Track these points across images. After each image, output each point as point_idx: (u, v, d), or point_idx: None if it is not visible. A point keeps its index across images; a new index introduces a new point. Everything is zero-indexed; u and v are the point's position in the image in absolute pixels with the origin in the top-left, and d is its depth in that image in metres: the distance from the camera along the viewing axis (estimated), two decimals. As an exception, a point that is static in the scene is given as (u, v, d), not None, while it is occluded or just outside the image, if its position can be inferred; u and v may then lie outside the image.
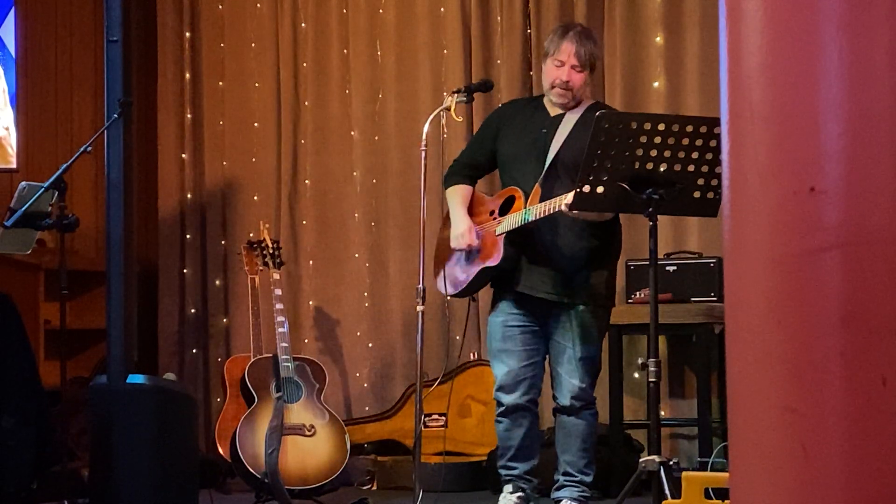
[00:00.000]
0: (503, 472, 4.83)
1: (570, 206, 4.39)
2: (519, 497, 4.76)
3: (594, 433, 4.79)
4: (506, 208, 4.70)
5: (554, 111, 4.75)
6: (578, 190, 4.20)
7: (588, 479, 4.75)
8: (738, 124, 1.76)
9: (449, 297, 4.51)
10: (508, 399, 4.74)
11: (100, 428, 4.85)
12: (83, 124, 7.06)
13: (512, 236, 4.62)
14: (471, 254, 4.76)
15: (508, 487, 4.80)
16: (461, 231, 4.74)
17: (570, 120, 4.70)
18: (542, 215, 4.45)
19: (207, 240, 7.01)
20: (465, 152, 4.92)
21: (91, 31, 7.09)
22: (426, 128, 4.50)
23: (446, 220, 4.92)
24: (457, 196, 4.83)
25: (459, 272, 4.81)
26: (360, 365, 6.71)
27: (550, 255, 4.64)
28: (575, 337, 4.65)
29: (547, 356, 4.77)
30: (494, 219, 4.73)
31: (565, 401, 4.69)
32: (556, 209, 4.36)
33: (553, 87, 4.69)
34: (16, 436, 5.19)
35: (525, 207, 4.56)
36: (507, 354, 4.74)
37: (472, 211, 4.84)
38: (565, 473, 4.75)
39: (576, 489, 4.73)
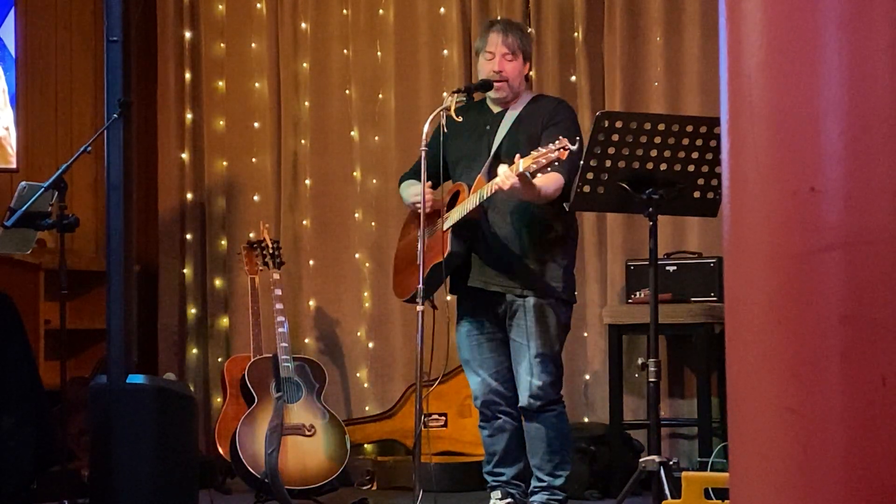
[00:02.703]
0: (490, 478, 4.80)
1: (570, 207, 4.39)
2: (508, 503, 4.74)
3: (562, 434, 4.70)
4: (453, 204, 4.67)
5: (496, 109, 4.75)
6: (579, 190, 4.20)
7: (558, 482, 4.68)
8: (738, 124, 1.76)
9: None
10: (486, 407, 4.74)
11: (100, 428, 4.85)
12: (83, 124, 7.06)
13: (461, 230, 4.58)
14: (425, 254, 4.70)
15: (497, 493, 4.77)
16: (415, 191, 4.65)
17: (512, 115, 4.69)
18: (480, 201, 4.42)
19: (207, 240, 7.01)
20: (417, 163, 4.91)
21: (91, 31, 7.09)
22: (426, 128, 4.50)
23: (402, 232, 4.97)
24: (410, 186, 4.79)
25: (413, 276, 4.69)
26: (360, 365, 6.71)
27: (500, 247, 4.60)
28: (530, 334, 4.59)
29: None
30: (444, 217, 4.72)
31: (524, 401, 4.63)
32: (492, 191, 4.34)
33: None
34: (16, 436, 5.18)
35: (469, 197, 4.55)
36: (476, 364, 4.74)
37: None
38: (536, 477, 4.72)
39: (545, 493, 4.69)
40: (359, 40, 6.79)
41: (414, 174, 4.81)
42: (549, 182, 4.42)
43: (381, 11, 6.76)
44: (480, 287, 4.65)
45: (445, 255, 4.56)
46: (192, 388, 6.51)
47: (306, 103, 6.90)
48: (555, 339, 4.63)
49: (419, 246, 4.52)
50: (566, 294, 4.66)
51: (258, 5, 7.00)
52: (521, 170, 4.23)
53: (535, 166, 4.20)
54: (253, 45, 7.00)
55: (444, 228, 4.61)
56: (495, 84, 4.67)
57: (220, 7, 7.09)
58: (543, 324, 4.60)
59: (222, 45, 7.08)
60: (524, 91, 4.79)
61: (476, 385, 4.77)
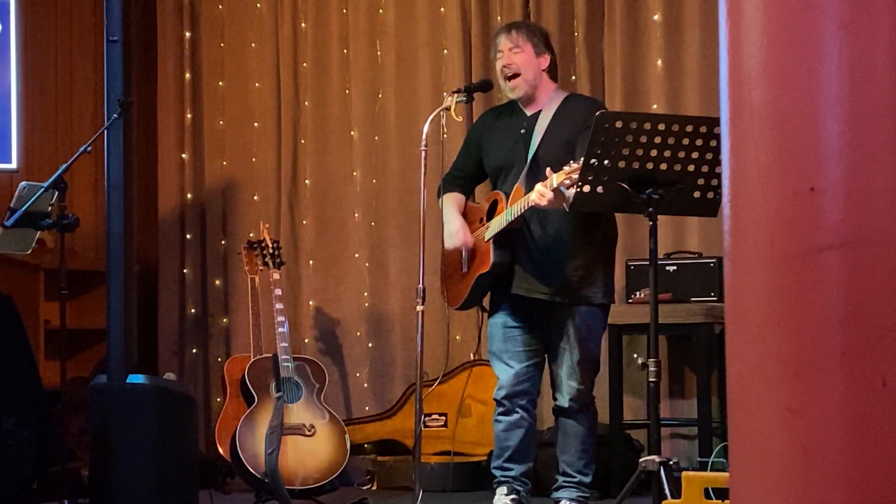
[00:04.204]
0: (499, 472, 4.80)
1: (570, 207, 4.39)
2: (513, 499, 4.74)
3: (593, 433, 4.78)
4: (492, 213, 4.71)
5: (530, 111, 4.75)
6: (578, 190, 4.20)
7: (587, 479, 4.74)
8: (738, 124, 1.76)
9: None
10: (508, 400, 4.74)
11: (100, 428, 4.85)
12: (83, 124, 7.06)
13: (502, 239, 4.61)
14: (468, 263, 4.76)
15: (503, 489, 4.77)
16: (454, 229, 4.73)
17: (547, 115, 4.69)
18: (518, 214, 4.47)
19: (207, 240, 7.01)
20: (455, 164, 4.92)
21: (91, 31, 7.09)
22: (426, 128, 4.50)
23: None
24: (449, 202, 4.83)
25: (460, 284, 4.80)
26: (360, 365, 6.70)
27: (541, 255, 4.63)
28: (573, 340, 4.63)
29: (546, 356, 4.77)
30: (483, 225, 4.74)
31: (564, 402, 4.69)
32: (527, 205, 4.39)
33: (505, 80, 4.70)
34: (16, 436, 5.19)
35: (507, 208, 4.58)
36: (508, 355, 4.74)
37: (465, 220, 4.84)
38: (564, 474, 4.75)
39: (574, 490, 4.73)
40: (359, 40, 6.79)
41: (454, 180, 4.83)
42: None
43: (381, 11, 6.76)
44: (523, 294, 4.68)
45: (490, 265, 4.61)
46: (191, 388, 6.51)
47: (306, 103, 6.90)
48: (596, 344, 4.72)
49: (420, 255, 4.55)
50: (606, 298, 4.73)
51: (258, 5, 7.01)
52: (555, 185, 4.28)
53: (568, 181, 4.24)
54: (253, 45, 7.00)
55: (486, 239, 4.66)
56: (510, 83, 4.68)
57: (220, 7, 7.09)
58: (587, 330, 4.65)
59: (222, 45, 7.08)
60: (555, 89, 4.78)
61: (505, 376, 4.75)
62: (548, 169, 4.35)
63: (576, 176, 4.21)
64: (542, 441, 4.97)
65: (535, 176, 4.52)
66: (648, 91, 6.17)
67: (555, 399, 4.76)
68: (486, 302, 4.92)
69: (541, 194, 4.32)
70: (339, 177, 6.82)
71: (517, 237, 4.63)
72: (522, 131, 4.70)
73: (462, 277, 4.80)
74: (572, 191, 4.29)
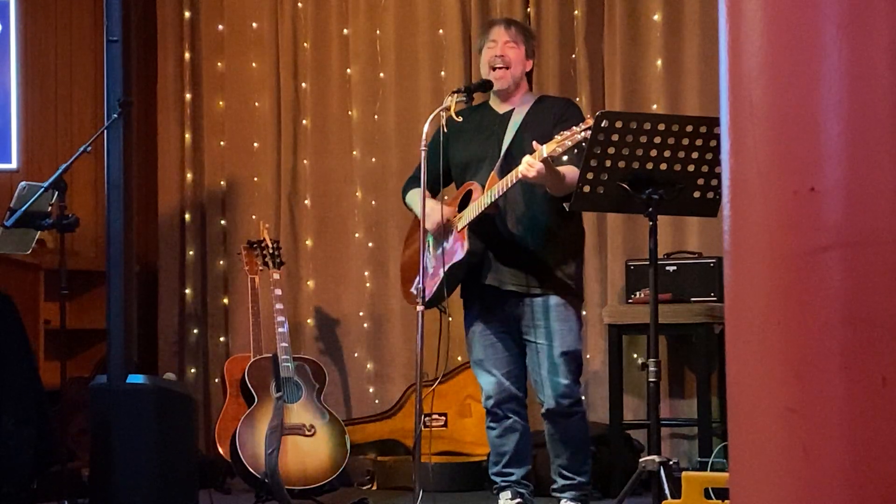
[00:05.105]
0: (499, 479, 4.77)
1: (570, 207, 4.38)
2: (518, 503, 4.73)
3: (586, 433, 4.73)
4: (465, 204, 4.65)
5: (502, 108, 4.74)
6: (578, 190, 4.19)
7: (586, 478, 4.71)
8: (738, 124, 1.75)
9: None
10: (498, 407, 4.71)
11: (100, 428, 4.86)
12: (83, 124, 7.06)
13: (476, 228, 4.56)
14: (438, 255, 4.68)
15: (507, 494, 4.75)
16: (431, 205, 4.61)
17: (521, 112, 4.68)
18: (500, 193, 4.41)
19: (207, 240, 7.01)
20: (419, 167, 4.86)
21: (91, 31, 7.09)
22: (426, 128, 4.49)
23: (407, 241, 4.94)
24: (416, 195, 4.68)
25: (428, 280, 4.65)
26: (360, 365, 6.70)
27: (516, 245, 4.58)
28: (552, 333, 4.57)
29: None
30: (456, 217, 4.68)
31: (552, 402, 4.60)
32: (514, 180, 4.33)
33: (492, 69, 4.67)
34: (16, 436, 5.18)
35: (485, 192, 4.51)
36: (489, 364, 4.70)
37: None
38: (562, 476, 4.72)
39: (576, 491, 4.71)
40: (359, 40, 6.80)
41: (417, 180, 4.79)
42: (569, 170, 4.40)
43: (381, 11, 6.76)
44: (496, 286, 4.63)
45: (465, 253, 4.53)
46: (191, 388, 6.51)
47: (307, 103, 6.90)
48: (577, 335, 4.65)
49: (420, 255, 4.50)
50: (578, 291, 4.69)
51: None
52: (545, 155, 4.24)
53: (560, 149, 4.21)
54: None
55: (460, 228, 4.60)
56: (497, 72, 4.66)
57: (221, 7, 7.09)
58: (565, 322, 4.60)
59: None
60: (528, 91, 4.78)
61: (489, 385, 4.72)
62: (534, 142, 4.32)
63: (569, 143, 4.18)
64: (538, 441, 4.95)
65: (510, 167, 4.47)
66: (648, 91, 6.17)
67: (541, 403, 4.68)
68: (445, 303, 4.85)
69: (530, 165, 4.27)
70: (339, 176, 6.82)
71: (491, 226, 4.58)
72: (496, 127, 4.70)
73: (431, 272, 4.68)
74: (565, 161, 4.25)
